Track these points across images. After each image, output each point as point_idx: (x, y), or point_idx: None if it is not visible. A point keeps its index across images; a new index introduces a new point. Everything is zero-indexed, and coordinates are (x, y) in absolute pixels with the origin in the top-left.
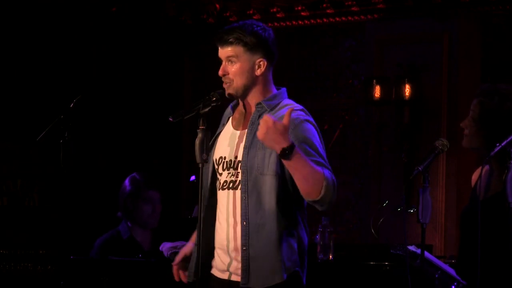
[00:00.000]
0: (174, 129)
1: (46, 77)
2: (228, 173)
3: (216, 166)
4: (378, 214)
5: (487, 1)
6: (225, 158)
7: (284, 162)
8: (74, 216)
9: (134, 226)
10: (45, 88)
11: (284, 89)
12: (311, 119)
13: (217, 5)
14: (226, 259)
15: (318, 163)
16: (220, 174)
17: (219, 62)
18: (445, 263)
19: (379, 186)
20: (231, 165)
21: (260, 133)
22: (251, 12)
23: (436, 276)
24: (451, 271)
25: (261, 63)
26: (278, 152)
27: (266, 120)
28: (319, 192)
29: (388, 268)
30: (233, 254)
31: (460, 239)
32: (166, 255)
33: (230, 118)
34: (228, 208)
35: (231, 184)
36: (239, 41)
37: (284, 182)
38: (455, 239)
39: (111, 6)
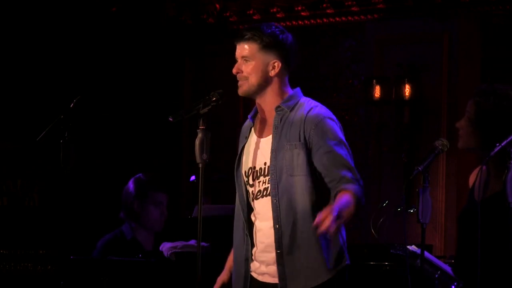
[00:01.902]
0: (174, 129)
1: (46, 77)
2: (259, 182)
3: (246, 179)
4: (378, 214)
5: (487, 1)
6: (254, 168)
7: None
8: (74, 216)
9: (138, 228)
10: (45, 88)
11: (298, 89)
12: (331, 116)
13: (217, 5)
14: (267, 263)
15: (347, 180)
16: (252, 185)
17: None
18: (445, 263)
19: (379, 186)
20: (261, 173)
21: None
22: (251, 12)
23: (436, 276)
24: (451, 271)
25: (275, 64)
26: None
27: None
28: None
29: (388, 268)
30: (270, 258)
31: (457, 239)
32: (166, 255)
33: (252, 129)
34: (265, 215)
35: (265, 192)
36: (255, 38)
37: (317, 181)
38: (455, 239)
39: (111, 6)
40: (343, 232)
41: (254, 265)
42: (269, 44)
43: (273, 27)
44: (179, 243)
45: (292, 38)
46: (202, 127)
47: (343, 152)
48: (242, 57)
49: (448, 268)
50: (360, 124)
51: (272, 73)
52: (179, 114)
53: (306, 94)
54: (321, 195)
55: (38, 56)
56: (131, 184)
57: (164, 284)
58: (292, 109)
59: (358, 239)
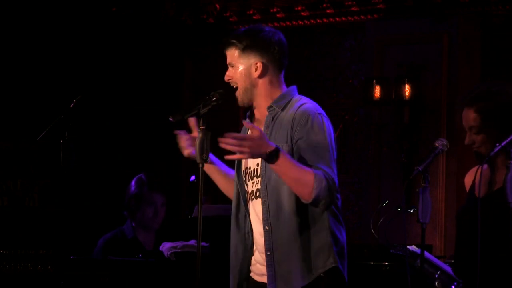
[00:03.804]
0: (174, 129)
1: (46, 77)
2: (253, 183)
3: (244, 178)
4: (378, 214)
5: (487, 1)
6: (249, 168)
7: (271, 166)
8: (74, 216)
9: (137, 227)
10: (45, 88)
11: (293, 87)
12: (321, 113)
13: (217, 5)
14: (261, 263)
15: (313, 165)
16: (247, 185)
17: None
18: (445, 263)
19: (379, 186)
20: (254, 173)
21: (247, 152)
22: (251, 12)
23: (436, 276)
24: (451, 271)
25: (257, 65)
26: (264, 158)
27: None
28: (309, 194)
29: (388, 268)
30: (262, 260)
31: (456, 237)
32: (166, 255)
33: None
34: (257, 216)
35: (257, 193)
36: (233, 44)
37: None
38: (455, 239)
39: (111, 6)
40: (338, 234)
41: (253, 266)
42: (248, 47)
43: (254, 28)
44: (179, 243)
45: (277, 36)
46: (202, 127)
47: (324, 149)
48: (229, 64)
49: (448, 268)
50: (360, 124)
51: (255, 74)
52: (179, 114)
53: (306, 94)
54: None
55: (38, 56)
56: (132, 183)
57: (164, 284)
58: (283, 108)
59: (358, 239)
